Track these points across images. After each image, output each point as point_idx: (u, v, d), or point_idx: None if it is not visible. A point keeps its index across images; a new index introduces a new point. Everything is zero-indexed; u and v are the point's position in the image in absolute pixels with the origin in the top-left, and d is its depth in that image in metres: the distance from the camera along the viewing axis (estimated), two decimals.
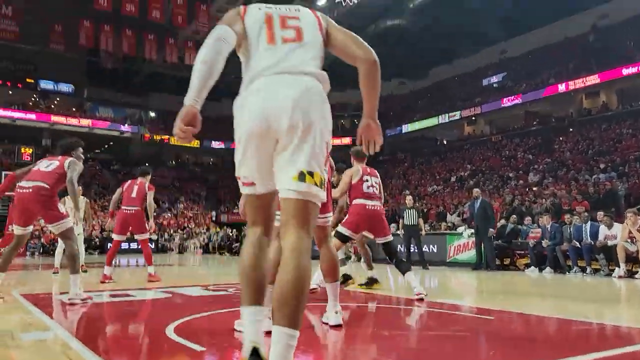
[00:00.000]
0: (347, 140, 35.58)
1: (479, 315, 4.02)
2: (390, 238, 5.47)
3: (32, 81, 33.60)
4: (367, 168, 5.61)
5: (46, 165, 4.68)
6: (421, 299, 4.78)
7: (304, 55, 1.89)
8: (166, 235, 24.75)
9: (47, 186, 4.46)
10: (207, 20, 25.29)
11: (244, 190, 1.90)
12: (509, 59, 32.65)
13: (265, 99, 1.79)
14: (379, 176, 5.66)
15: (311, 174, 1.73)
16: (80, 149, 4.98)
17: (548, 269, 9.36)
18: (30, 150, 28.43)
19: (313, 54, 1.94)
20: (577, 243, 9.16)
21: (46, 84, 34.13)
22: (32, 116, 30.96)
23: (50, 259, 15.96)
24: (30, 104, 32.72)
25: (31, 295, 5.20)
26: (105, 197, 28.43)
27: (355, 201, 5.39)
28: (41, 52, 29.82)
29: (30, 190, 4.43)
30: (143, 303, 5.00)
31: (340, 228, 5.46)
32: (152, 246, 23.10)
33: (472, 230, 10.84)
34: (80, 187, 8.98)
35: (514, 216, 11.71)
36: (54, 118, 31.60)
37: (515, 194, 17.36)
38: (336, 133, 36.38)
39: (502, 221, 11.72)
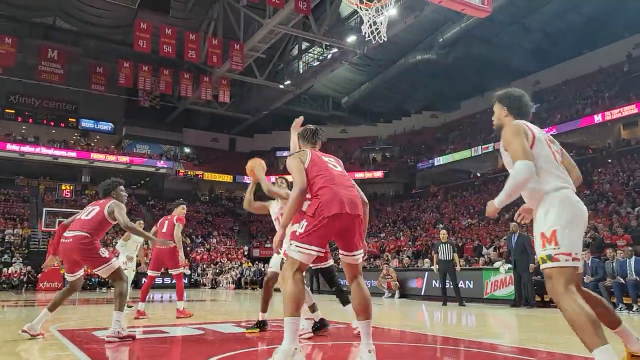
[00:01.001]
0: (378, 174, 35.55)
1: (520, 356, 3.82)
2: (328, 264, 5.08)
3: (74, 120, 35.08)
4: None
5: (87, 212, 4.84)
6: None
7: None
8: (199, 270, 24.90)
9: (86, 234, 4.61)
10: (241, 59, 26.02)
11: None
12: (542, 90, 32.26)
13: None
14: None
15: None
16: (121, 187, 5.09)
17: None
18: (71, 187, 29.41)
19: None
20: (621, 279, 8.75)
21: (87, 123, 35.55)
22: (73, 154, 32.15)
23: (86, 293, 16.24)
24: (72, 142, 34.07)
25: (68, 331, 5.26)
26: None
27: None
28: (83, 92, 31.27)
29: (71, 240, 4.62)
30: (176, 340, 4.99)
31: None
32: (185, 281, 23.29)
33: (510, 265, 10.50)
34: (141, 221, 9.32)
35: None
36: (94, 155, 32.73)
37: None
38: (367, 167, 36.56)
39: None
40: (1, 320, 3.64)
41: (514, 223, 11.25)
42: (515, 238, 10.05)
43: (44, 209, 22.34)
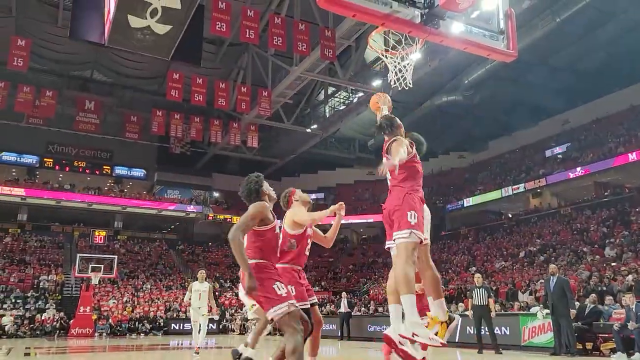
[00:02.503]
0: None
1: None
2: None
3: (109, 168, 36.19)
4: None
5: None
6: None
7: None
8: (227, 316, 24.72)
9: None
10: (268, 105, 26.65)
11: None
12: (572, 129, 31.81)
13: None
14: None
15: None
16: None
17: (637, 355, 8.44)
18: (104, 233, 29.99)
19: None
20: None
21: (120, 170, 36.61)
22: (107, 200, 32.99)
23: (116, 340, 16.25)
24: (106, 188, 35.03)
25: None
26: (169, 277, 29.17)
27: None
28: (117, 140, 32.41)
29: None
30: None
31: None
32: (214, 327, 23.12)
33: (548, 311, 10.05)
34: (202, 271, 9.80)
35: (594, 295, 10.83)
36: (126, 202, 33.51)
37: (592, 271, 16.19)
38: None
39: (582, 301, 10.84)
40: None
41: (554, 265, 10.86)
42: (554, 281, 9.67)
43: (78, 255, 22.78)
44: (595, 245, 20.46)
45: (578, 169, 26.86)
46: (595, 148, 27.93)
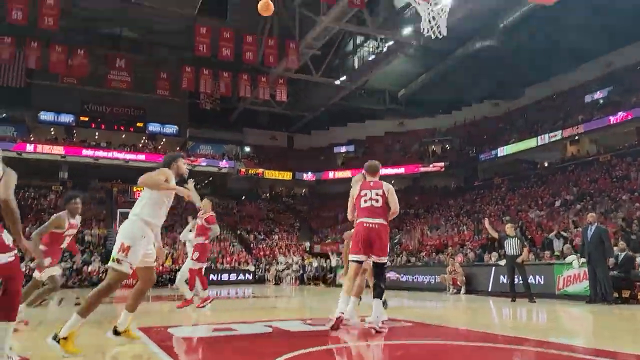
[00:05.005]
0: (438, 167, 34.77)
1: (601, 359, 3.60)
2: (384, 260, 5.10)
3: (142, 125, 36.80)
4: (370, 181, 5.25)
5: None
6: (374, 330, 4.80)
7: None
8: (262, 266, 25.45)
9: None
10: (296, 57, 26.29)
11: None
12: (614, 72, 30.26)
13: None
14: (383, 186, 5.18)
15: None
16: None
17: None
18: (141, 188, 30.85)
19: None
20: None
21: (154, 127, 37.17)
22: (142, 157, 33.72)
23: (159, 290, 17.01)
24: (140, 145, 35.75)
25: (147, 329, 5.43)
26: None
27: (357, 220, 5.14)
28: (149, 98, 32.75)
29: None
30: (249, 337, 5.06)
31: (349, 255, 5.25)
32: (250, 277, 23.90)
33: (584, 260, 9.93)
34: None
35: (622, 242, 10.62)
36: (161, 158, 34.22)
37: (632, 218, 15.80)
38: (427, 160, 35.86)
39: (615, 249, 10.62)
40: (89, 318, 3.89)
41: (592, 214, 10.62)
42: (592, 230, 9.49)
43: (118, 210, 23.59)
44: (636, 193, 19.88)
45: (620, 113, 25.75)
46: (638, 92, 26.62)
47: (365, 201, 5.09)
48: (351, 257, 5.14)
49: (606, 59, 30.96)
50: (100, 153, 32.53)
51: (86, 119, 35.25)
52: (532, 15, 25.85)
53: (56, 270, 6.09)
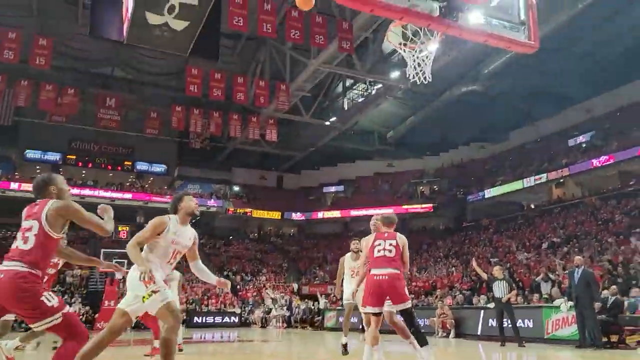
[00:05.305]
0: (427, 207, 34.93)
1: None
2: (407, 305, 5.04)
3: (130, 163, 36.72)
4: (385, 232, 5.27)
5: None
6: None
7: None
8: (248, 309, 24.95)
9: None
10: (287, 98, 26.68)
11: None
12: (596, 117, 31.12)
13: None
14: (397, 238, 5.19)
15: None
16: None
17: None
18: (127, 228, 30.45)
19: None
20: None
21: (142, 165, 37.12)
22: (129, 195, 33.49)
23: (140, 333, 16.55)
24: (128, 184, 35.57)
25: None
26: (191, 271, 29.45)
27: (368, 272, 5.14)
28: (138, 137, 32.82)
29: None
30: None
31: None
32: (236, 320, 23.36)
33: (572, 303, 9.89)
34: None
35: (614, 287, 10.63)
36: (148, 197, 33.99)
37: (617, 262, 15.87)
38: (415, 200, 36.04)
39: (604, 292, 10.63)
40: None
41: (579, 257, 10.66)
42: (579, 273, 9.50)
43: (102, 250, 23.20)
44: (621, 236, 20.06)
45: (602, 157, 26.30)
46: (619, 137, 27.29)
47: (379, 251, 5.09)
48: (362, 309, 5.27)
49: (587, 104, 31.88)
50: (86, 192, 32.23)
51: (73, 157, 35.13)
52: (515, 62, 26.67)
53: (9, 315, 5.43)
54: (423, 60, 4.56)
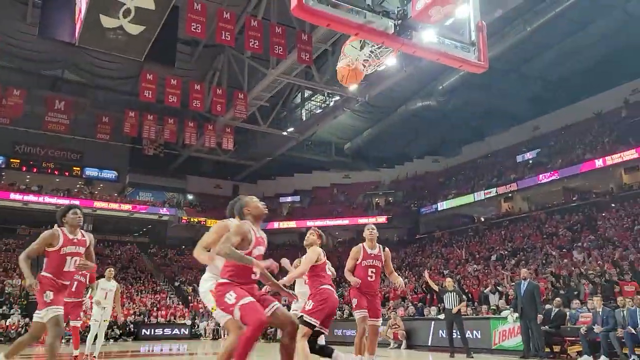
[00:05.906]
0: (382, 219, 35.37)
1: None
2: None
3: (78, 169, 35.40)
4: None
5: None
6: None
7: None
8: (198, 321, 24.38)
9: None
10: (244, 107, 26.48)
11: None
12: (541, 135, 32.60)
13: None
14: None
15: None
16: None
17: (603, 357, 8.66)
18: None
19: None
20: (632, 329, 8.52)
21: (91, 171, 35.87)
22: (76, 202, 32.18)
23: (84, 346, 15.87)
24: (76, 190, 34.24)
25: None
26: (141, 281, 28.66)
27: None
28: (88, 141, 31.65)
29: None
30: None
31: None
32: (186, 332, 22.76)
33: (517, 314, 10.22)
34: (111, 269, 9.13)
35: (558, 299, 11.08)
36: (97, 204, 32.80)
37: (560, 274, 16.54)
38: (371, 212, 36.44)
39: (548, 305, 11.05)
40: None
41: (525, 270, 11.05)
42: (525, 285, 9.84)
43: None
44: (564, 249, 20.94)
45: (547, 174, 27.51)
46: (563, 154, 28.65)
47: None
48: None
49: (534, 123, 33.39)
50: (30, 197, 30.79)
51: (17, 161, 33.57)
52: (468, 80, 27.61)
53: None
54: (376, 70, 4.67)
